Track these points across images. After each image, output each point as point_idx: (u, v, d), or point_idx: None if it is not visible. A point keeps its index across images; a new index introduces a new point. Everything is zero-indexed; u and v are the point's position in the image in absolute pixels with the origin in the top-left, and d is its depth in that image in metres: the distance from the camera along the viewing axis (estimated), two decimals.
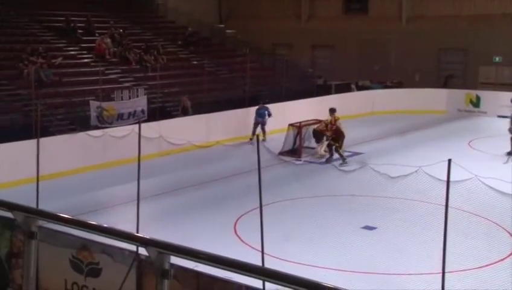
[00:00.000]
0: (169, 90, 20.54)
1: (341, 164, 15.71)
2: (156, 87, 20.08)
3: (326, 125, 16.28)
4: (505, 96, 22.58)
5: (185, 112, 19.02)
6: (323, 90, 25.43)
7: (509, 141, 16.50)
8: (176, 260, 3.20)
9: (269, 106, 20.74)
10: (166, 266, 3.15)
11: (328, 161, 16.08)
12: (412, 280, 8.53)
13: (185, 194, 13.44)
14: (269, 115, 18.76)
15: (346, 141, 18.25)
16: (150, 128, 14.18)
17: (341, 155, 15.92)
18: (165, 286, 3.10)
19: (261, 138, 17.65)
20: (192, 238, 9.02)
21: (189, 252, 3.11)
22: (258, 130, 18.42)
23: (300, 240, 10.24)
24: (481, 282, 8.43)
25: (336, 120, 16.32)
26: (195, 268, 6.38)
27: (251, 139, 18.00)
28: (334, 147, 16.05)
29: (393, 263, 9.09)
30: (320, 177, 15.01)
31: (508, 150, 16.48)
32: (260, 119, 18.66)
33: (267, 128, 18.73)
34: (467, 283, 8.24)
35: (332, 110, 16.57)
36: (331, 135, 16.16)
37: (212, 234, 10.38)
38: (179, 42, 25.59)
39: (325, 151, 16.43)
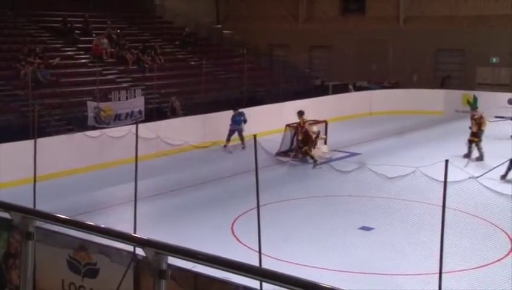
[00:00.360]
0: (167, 91, 20.53)
1: (314, 166, 15.71)
2: (153, 87, 20.06)
3: (303, 131, 16.34)
4: (502, 97, 22.65)
5: (174, 113, 18.96)
6: (320, 90, 25.46)
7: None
8: (173, 260, 3.20)
9: (267, 106, 20.72)
10: (164, 267, 3.15)
11: (302, 161, 16.14)
12: (409, 280, 8.54)
13: (182, 194, 13.43)
14: (244, 121, 17.83)
15: (344, 142, 18.32)
16: (148, 129, 14.19)
17: (312, 157, 15.94)
18: (162, 286, 3.10)
19: (240, 146, 17.40)
20: (190, 239, 9.01)
21: (187, 253, 3.11)
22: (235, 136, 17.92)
23: (297, 240, 10.25)
24: (478, 282, 8.44)
25: (304, 122, 16.36)
26: (193, 269, 6.37)
27: (225, 146, 17.61)
28: (303, 150, 16.11)
29: (390, 264, 9.10)
30: (317, 177, 15.02)
31: (465, 152, 16.21)
32: (237, 126, 17.82)
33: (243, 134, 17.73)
34: (464, 284, 8.25)
35: (300, 113, 16.57)
36: (301, 138, 16.24)
37: (209, 234, 10.38)
38: (177, 43, 25.59)
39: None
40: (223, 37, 29.48)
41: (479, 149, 16.07)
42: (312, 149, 16.40)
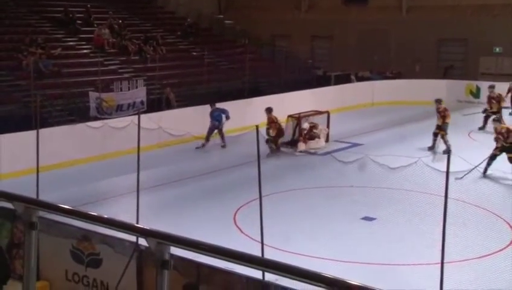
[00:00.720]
0: (169, 82, 20.50)
1: (268, 155, 15.49)
2: (155, 78, 20.03)
3: (277, 127, 16.04)
4: (505, 87, 22.55)
5: (168, 104, 18.83)
6: (322, 81, 25.39)
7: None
8: (176, 250, 3.21)
9: (269, 97, 20.61)
10: (166, 257, 3.15)
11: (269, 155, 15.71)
12: (411, 271, 8.56)
13: (184, 185, 13.46)
14: (227, 117, 16.88)
15: (345, 133, 18.32)
16: (149, 120, 14.19)
17: (276, 149, 15.85)
18: (165, 276, 3.10)
19: (221, 144, 16.65)
20: (192, 230, 9.04)
21: (189, 243, 3.11)
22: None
23: (300, 231, 10.27)
24: (480, 272, 8.47)
25: (276, 119, 16.15)
26: (196, 259, 6.40)
27: (203, 145, 16.60)
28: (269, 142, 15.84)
29: (392, 254, 9.13)
30: (319, 168, 15.03)
31: (430, 145, 16.00)
32: (217, 123, 16.82)
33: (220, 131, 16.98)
34: (466, 274, 8.26)
35: (269, 110, 16.31)
36: (276, 134, 16.02)
37: (211, 225, 10.41)
38: (178, 33, 25.52)
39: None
40: (224, 27, 29.37)
41: (445, 142, 15.86)
42: (305, 143, 16.45)
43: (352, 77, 26.46)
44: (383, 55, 27.95)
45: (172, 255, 3.31)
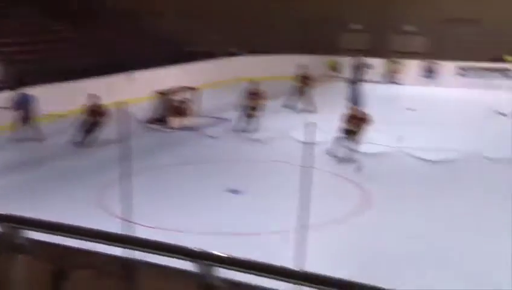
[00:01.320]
0: (19, 58, 18.96)
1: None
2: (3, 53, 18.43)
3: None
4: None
5: None
6: (189, 57, 25.19)
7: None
8: (38, 236, 3.01)
9: (136, 73, 19.96)
10: (20, 241, 2.95)
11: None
12: (272, 238, 8.83)
13: (42, 167, 12.66)
14: (31, 102, 14.55)
15: (214, 108, 18.45)
16: None
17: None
18: (18, 260, 2.90)
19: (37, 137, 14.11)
20: (55, 213, 8.55)
21: (44, 225, 2.94)
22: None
23: (168, 207, 10.21)
24: (337, 235, 9.06)
25: (101, 104, 14.56)
26: (61, 243, 6.05)
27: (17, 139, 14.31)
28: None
29: (256, 224, 9.42)
30: (188, 144, 15.00)
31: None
32: (22, 112, 14.36)
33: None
34: (324, 237, 8.71)
35: (93, 96, 14.60)
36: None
37: (76, 206, 9.95)
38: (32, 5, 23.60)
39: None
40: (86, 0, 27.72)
41: (257, 123, 15.76)
42: (174, 119, 16.35)
43: (220, 53, 26.59)
44: (249, 31, 28.31)
45: (27, 239, 3.10)
